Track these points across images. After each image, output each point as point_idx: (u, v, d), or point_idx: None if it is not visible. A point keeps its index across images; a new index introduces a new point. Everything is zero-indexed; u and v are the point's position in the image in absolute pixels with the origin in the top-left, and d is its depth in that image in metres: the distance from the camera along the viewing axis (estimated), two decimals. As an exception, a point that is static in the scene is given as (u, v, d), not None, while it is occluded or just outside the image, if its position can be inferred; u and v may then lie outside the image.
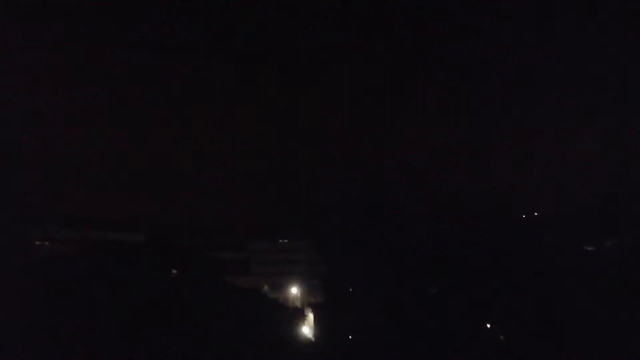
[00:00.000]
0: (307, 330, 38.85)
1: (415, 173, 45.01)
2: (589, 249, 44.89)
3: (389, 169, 45.44)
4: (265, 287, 43.48)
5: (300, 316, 38.92)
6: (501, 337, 36.77)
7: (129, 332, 29.92)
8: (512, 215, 47.14)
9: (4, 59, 37.80)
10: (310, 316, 39.76)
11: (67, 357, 27.92)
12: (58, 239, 43.21)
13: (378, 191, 45.06)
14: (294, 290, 44.97)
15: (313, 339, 37.96)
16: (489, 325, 37.41)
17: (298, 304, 43.66)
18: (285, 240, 47.34)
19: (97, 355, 28.44)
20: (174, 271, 39.21)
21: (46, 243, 43.51)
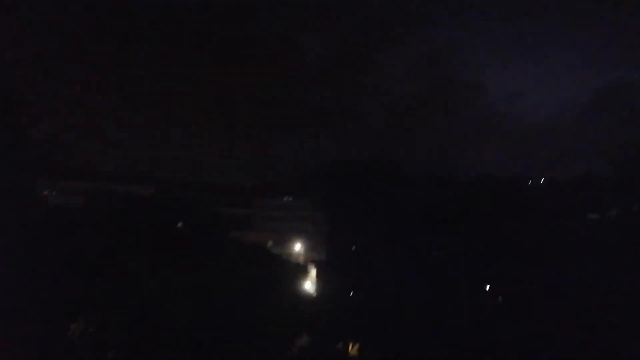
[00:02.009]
0: (309, 285, 39.31)
1: (421, 134, 44.96)
2: (592, 216, 44.90)
3: (395, 130, 45.34)
4: (269, 243, 43.91)
5: (303, 272, 39.17)
6: (499, 298, 37.23)
7: (133, 281, 29.98)
8: (518, 180, 47.10)
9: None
10: (313, 272, 40.15)
11: (71, 305, 28.22)
12: (65, 190, 43.52)
13: (383, 152, 45.14)
14: (298, 246, 45.53)
15: (315, 295, 38.40)
16: (488, 287, 37.79)
17: (301, 260, 44.21)
18: (290, 198, 47.72)
19: (102, 304, 28.84)
20: (180, 224, 39.18)
21: (54, 193, 43.87)
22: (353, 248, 40.77)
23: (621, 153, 44.88)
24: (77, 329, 28.56)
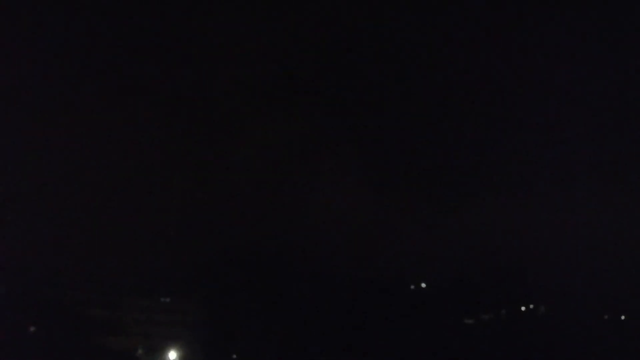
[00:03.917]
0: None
1: (308, 239, 44.83)
2: (467, 321, 47.38)
3: (284, 231, 44.80)
4: (140, 350, 40.19)
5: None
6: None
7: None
8: (401, 285, 48.62)
9: None
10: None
11: None
12: None
13: (269, 253, 44.28)
14: (172, 354, 41.93)
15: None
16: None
17: (175, 369, 40.71)
18: (167, 299, 44.48)
19: None
20: (32, 328, 35.43)
21: None
22: (234, 357, 38.79)
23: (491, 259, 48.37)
24: None
